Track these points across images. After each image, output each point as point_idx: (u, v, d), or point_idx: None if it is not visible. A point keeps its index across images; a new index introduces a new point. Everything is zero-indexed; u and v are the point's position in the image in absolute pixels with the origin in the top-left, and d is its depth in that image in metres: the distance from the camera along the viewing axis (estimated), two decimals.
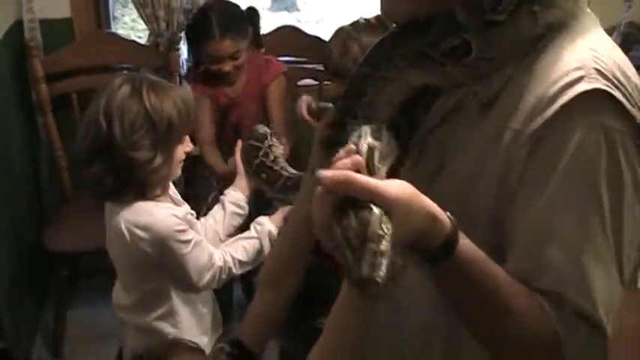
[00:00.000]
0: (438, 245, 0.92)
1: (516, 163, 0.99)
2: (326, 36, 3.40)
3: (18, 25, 3.01)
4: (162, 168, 1.91)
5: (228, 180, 2.28)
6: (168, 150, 1.92)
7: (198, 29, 2.87)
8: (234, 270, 2.03)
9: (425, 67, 1.07)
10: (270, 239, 2.08)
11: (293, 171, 2.06)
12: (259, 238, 2.07)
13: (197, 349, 1.92)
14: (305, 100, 2.68)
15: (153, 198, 1.95)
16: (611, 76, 0.98)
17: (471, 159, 1.04)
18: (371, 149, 0.95)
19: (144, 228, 1.89)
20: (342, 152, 0.95)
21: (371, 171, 0.93)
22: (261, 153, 2.10)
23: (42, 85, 2.99)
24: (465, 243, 0.94)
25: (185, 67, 3.28)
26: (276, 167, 2.07)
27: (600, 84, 0.96)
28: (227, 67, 2.86)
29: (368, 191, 0.87)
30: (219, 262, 1.99)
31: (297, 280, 1.46)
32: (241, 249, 2.05)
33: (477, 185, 1.04)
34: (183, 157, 2.00)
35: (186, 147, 2.00)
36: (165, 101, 1.89)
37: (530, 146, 0.98)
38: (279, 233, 2.02)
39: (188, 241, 1.93)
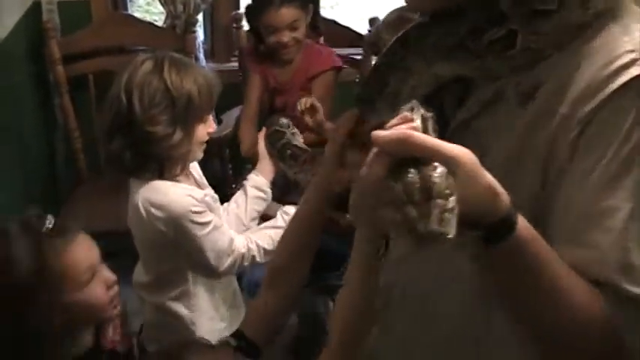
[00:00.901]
0: (496, 222, 0.85)
1: (565, 147, 0.96)
2: (342, 20, 3.42)
3: (36, 7, 3.03)
4: (181, 145, 1.91)
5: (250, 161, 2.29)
6: (188, 127, 1.92)
7: (253, 4, 2.87)
8: (258, 258, 2.02)
9: (459, 59, 1.03)
10: None
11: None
12: None
13: (210, 346, 1.93)
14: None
15: (172, 177, 1.95)
16: None
17: (512, 147, 1.00)
18: (425, 120, 0.89)
19: (159, 207, 1.90)
20: (395, 120, 0.87)
21: None
22: (286, 136, 2.17)
23: (59, 67, 3.00)
24: (523, 223, 0.88)
25: (202, 50, 3.28)
26: (301, 146, 2.12)
27: None
28: (285, 37, 2.81)
29: (429, 149, 0.81)
30: (241, 249, 1.99)
31: (303, 277, 1.46)
32: (267, 238, 2.05)
33: (519, 173, 1.00)
34: (206, 137, 2.00)
35: (209, 127, 2.00)
36: (186, 78, 1.90)
37: (581, 129, 0.94)
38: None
39: (205, 224, 1.93)
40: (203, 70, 2.03)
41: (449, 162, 0.81)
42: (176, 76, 1.89)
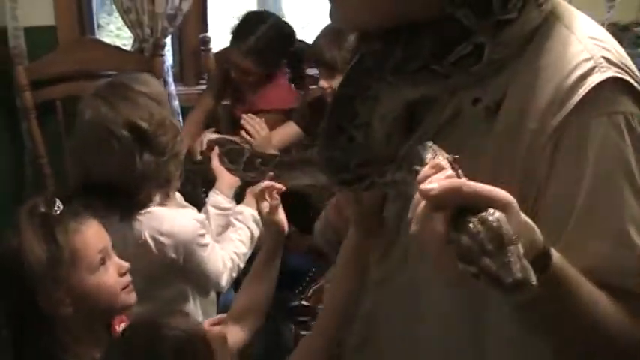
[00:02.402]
0: (539, 253, 0.85)
1: (542, 163, 0.96)
2: (311, 41, 3.43)
3: (2, 33, 3.01)
4: (182, 141, 1.98)
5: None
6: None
7: (237, 28, 2.92)
8: (241, 265, 2.08)
9: (426, 81, 1.02)
10: (255, 222, 2.12)
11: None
12: (247, 227, 2.12)
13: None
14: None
15: (170, 195, 1.99)
16: (618, 62, 0.98)
17: (487, 166, 0.99)
18: (452, 164, 0.86)
19: (169, 234, 1.91)
20: (426, 169, 0.85)
21: None
22: (246, 149, 2.17)
23: (26, 92, 2.99)
24: (556, 254, 0.88)
25: (170, 73, 3.28)
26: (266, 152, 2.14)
27: (612, 72, 0.96)
28: (236, 74, 2.91)
29: (485, 196, 0.79)
30: (229, 263, 2.04)
31: (261, 318, 1.63)
32: (239, 243, 2.10)
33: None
34: None
35: None
36: (149, 82, 1.97)
37: (553, 144, 0.95)
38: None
39: (207, 245, 1.98)
40: (146, 75, 2.09)
41: (505, 207, 0.79)
42: (145, 86, 1.93)
